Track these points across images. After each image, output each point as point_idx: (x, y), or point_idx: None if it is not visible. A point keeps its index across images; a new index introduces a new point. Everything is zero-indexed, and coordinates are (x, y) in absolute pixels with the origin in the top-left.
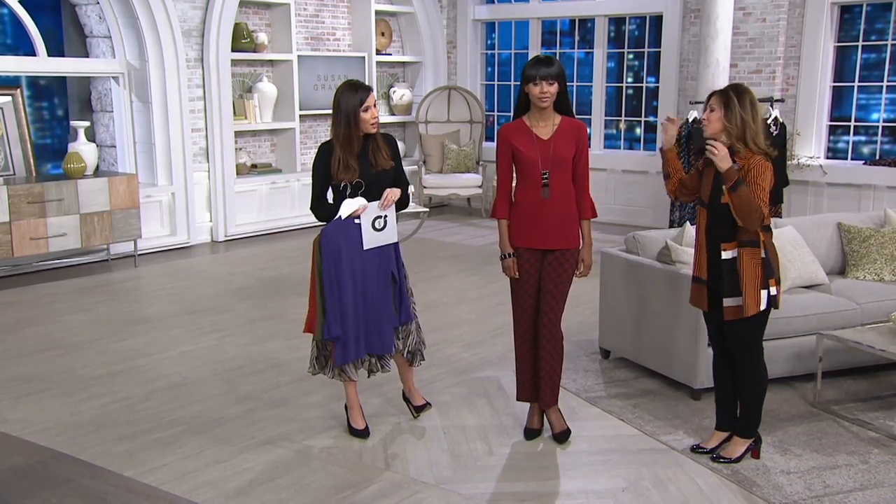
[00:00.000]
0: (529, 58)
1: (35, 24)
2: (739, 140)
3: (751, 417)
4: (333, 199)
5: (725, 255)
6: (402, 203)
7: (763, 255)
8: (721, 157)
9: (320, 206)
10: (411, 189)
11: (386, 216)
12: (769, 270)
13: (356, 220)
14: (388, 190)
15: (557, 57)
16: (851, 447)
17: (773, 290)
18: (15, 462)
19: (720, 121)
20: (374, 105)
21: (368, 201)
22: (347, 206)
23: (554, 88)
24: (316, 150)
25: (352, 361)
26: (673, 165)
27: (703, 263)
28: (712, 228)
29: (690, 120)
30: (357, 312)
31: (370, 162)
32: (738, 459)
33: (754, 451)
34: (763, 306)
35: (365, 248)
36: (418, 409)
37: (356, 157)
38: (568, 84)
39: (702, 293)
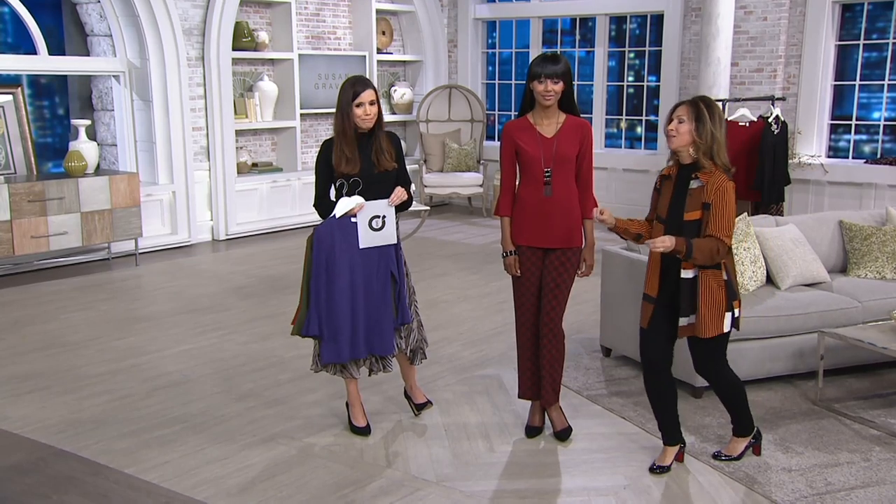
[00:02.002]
0: (530, 57)
1: (36, 22)
2: (706, 155)
3: (741, 418)
4: (336, 198)
5: (685, 273)
6: (404, 204)
7: (725, 277)
8: (666, 247)
9: (323, 204)
10: (413, 188)
11: (384, 216)
12: (732, 293)
13: (352, 219)
14: (398, 188)
15: None
16: (853, 445)
17: (737, 312)
18: (16, 459)
19: (690, 133)
20: (371, 102)
21: (366, 200)
22: (343, 205)
23: (559, 87)
24: (318, 149)
25: (345, 361)
26: (635, 228)
27: (654, 281)
28: None
29: None
30: (354, 312)
31: (372, 162)
32: (740, 456)
33: (755, 447)
34: (727, 328)
35: (361, 246)
36: (419, 407)
37: (356, 151)
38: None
39: (647, 311)
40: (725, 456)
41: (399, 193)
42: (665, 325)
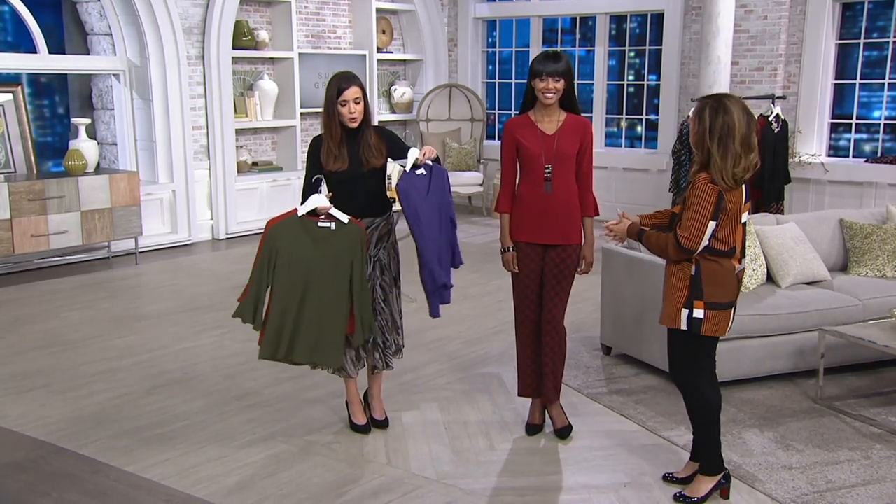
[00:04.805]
0: (530, 56)
1: (36, 21)
2: (703, 166)
3: (706, 452)
4: (330, 195)
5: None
6: (437, 159)
7: (693, 272)
8: (618, 233)
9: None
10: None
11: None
12: (696, 291)
13: (321, 224)
14: (426, 148)
15: None
16: (853, 443)
17: (698, 313)
18: (16, 457)
19: (695, 135)
20: (356, 100)
21: (352, 198)
22: (312, 202)
23: (560, 85)
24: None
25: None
26: (659, 220)
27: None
28: None
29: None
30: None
31: (360, 161)
32: (703, 500)
33: (724, 489)
34: (683, 326)
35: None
36: (377, 423)
37: (344, 148)
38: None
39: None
40: (687, 497)
41: (427, 152)
42: None
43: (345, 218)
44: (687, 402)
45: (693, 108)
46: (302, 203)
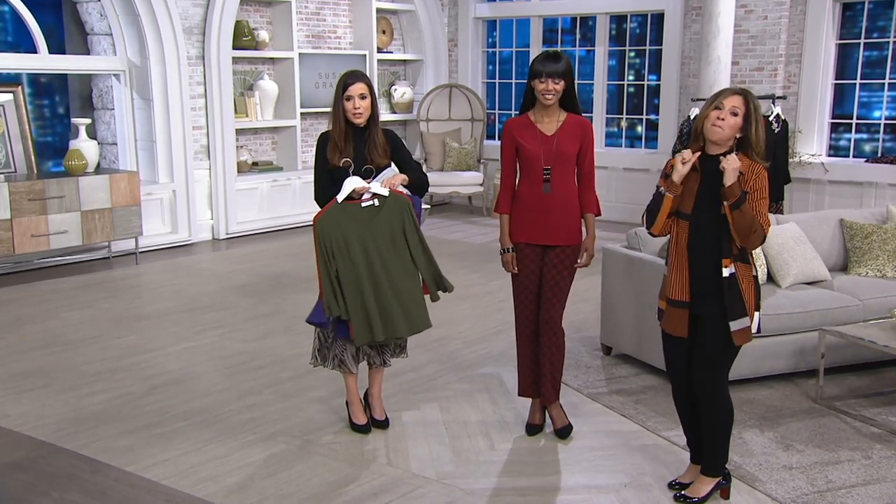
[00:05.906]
0: (531, 56)
1: (36, 21)
2: (746, 155)
3: (717, 455)
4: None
5: (726, 271)
6: (420, 187)
7: (755, 272)
8: (734, 169)
9: (324, 196)
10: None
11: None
12: (759, 291)
13: (364, 204)
14: (397, 176)
15: None
16: (854, 443)
17: (761, 314)
18: (16, 457)
19: (737, 129)
20: (362, 96)
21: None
22: (350, 184)
23: (560, 86)
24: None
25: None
26: (669, 206)
27: (685, 284)
28: (699, 243)
29: (692, 117)
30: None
31: (366, 159)
32: (704, 500)
33: (724, 489)
34: (755, 330)
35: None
36: (377, 423)
37: (349, 145)
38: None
39: (683, 318)
40: (688, 498)
41: (392, 181)
42: (692, 334)
43: (385, 191)
44: (712, 406)
45: (727, 105)
46: (316, 197)
